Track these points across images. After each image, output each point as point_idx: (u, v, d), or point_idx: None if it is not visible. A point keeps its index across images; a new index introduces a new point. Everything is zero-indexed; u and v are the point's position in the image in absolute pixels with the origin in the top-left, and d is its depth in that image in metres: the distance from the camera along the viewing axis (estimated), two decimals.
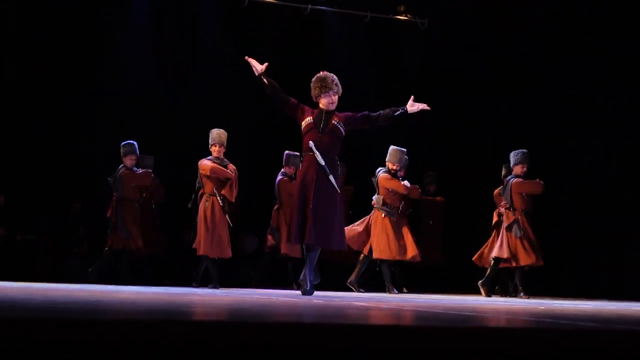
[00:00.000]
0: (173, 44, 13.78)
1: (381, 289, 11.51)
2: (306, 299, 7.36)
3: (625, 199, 12.19)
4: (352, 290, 11.14)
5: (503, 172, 11.44)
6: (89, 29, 13.23)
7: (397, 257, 11.35)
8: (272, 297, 7.81)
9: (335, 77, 8.42)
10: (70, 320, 3.41)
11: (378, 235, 11.32)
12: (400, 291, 11.64)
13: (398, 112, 8.45)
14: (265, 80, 8.55)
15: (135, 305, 5.19)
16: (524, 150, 11.17)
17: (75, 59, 13.22)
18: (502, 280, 11.87)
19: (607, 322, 4.83)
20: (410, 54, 14.67)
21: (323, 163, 8.20)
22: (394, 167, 11.38)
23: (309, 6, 13.99)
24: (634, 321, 5.13)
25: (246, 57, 8.77)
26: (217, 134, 10.98)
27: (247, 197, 12.40)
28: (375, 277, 11.91)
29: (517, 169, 11.14)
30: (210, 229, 10.83)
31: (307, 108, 8.49)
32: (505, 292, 11.72)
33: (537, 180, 11.09)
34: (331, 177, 8.22)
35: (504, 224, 11.06)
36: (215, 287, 10.71)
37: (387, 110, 8.50)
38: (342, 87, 8.45)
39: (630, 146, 12.19)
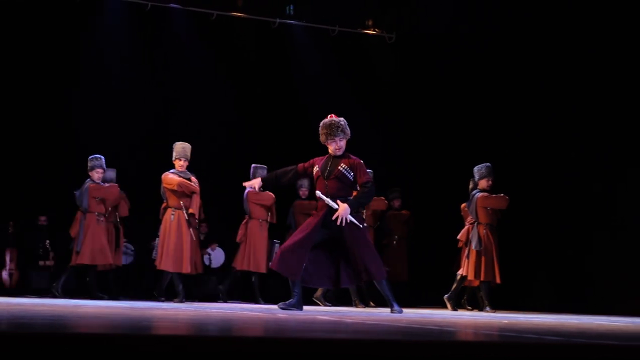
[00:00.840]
0: (144, 58, 13.72)
1: (348, 303, 11.51)
2: (270, 314, 7.35)
3: (589, 211, 12.29)
4: (319, 305, 11.12)
5: (470, 186, 11.42)
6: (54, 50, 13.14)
7: None
8: (236, 311, 7.79)
9: (342, 121, 8.50)
10: (29, 335, 3.38)
11: None
12: (367, 305, 11.64)
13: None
14: (269, 183, 9.08)
15: (97, 319, 5.16)
16: (488, 164, 11.18)
17: (45, 75, 13.10)
18: (470, 294, 11.90)
19: (569, 336, 4.86)
20: (378, 68, 14.73)
21: (336, 207, 8.26)
22: None
23: (277, 20, 14.02)
24: (595, 335, 5.16)
25: (244, 183, 9.22)
26: (181, 148, 10.89)
27: (214, 210, 12.36)
28: (342, 292, 11.90)
29: (482, 183, 11.15)
30: (174, 243, 10.75)
31: (316, 160, 8.63)
32: (472, 306, 11.74)
33: (502, 195, 11.11)
34: (350, 217, 8.27)
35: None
36: (181, 301, 10.65)
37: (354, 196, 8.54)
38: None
39: (592, 159, 12.30)
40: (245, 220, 12.10)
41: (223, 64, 14.04)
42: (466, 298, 11.92)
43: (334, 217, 8.25)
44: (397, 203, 13.39)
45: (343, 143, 8.47)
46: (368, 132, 13.67)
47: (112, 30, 13.38)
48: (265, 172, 12.08)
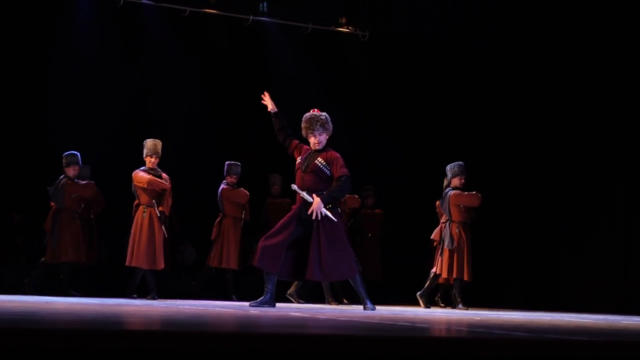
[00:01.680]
0: (117, 55, 13.62)
1: (322, 300, 11.51)
2: (243, 310, 7.34)
3: (562, 210, 12.37)
4: (292, 302, 11.13)
5: (445, 184, 11.43)
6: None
7: None
8: (208, 307, 7.78)
9: (324, 116, 8.52)
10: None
11: None
12: (340, 302, 11.65)
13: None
14: (277, 119, 8.82)
15: (69, 315, 5.14)
16: (460, 162, 11.19)
17: (16, 71, 12.98)
18: (444, 291, 11.93)
19: (539, 332, 4.89)
20: (352, 66, 14.73)
21: (311, 200, 8.26)
22: None
23: (251, 17, 13.99)
24: (565, 331, 5.19)
25: (264, 94, 8.98)
26: (152, 145, 10.83)
27: (186, 207, 12.33)
28: (315, 289, 11.91)
29: (455, 181, 11.15)
30: (147, 240, 10.71)
31: (304, 149, 8.62)
32: (446, 303, 11.76)
33: (475, 192, 11.12)
34: (323, 211, 8.26)
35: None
36: (153, 298, 10.63)
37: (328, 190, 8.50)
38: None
39: (566, 158, 12.38)
40: (219, 218, 12.09)
41: (196, 60, 13.98)
42: (439, 296, 11.96)
43: (309, 212, 8.25)
44: (370, 201, 13.39)
45: (323, 138, 8.48)
46: (342, 130, 13.64)
47: (84, 26, 13.28)
48: (239, 169, 12.12)
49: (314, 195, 8.30)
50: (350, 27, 14.65)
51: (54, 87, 13.12)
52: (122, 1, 13.30)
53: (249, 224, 12.30)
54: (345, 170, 8.45)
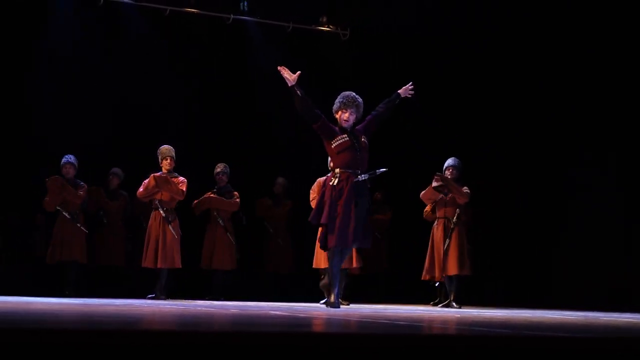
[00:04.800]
0: (97, 54, 13.56)
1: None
2: (223, 309, 7.34)
3: (543, 208, 12.42)
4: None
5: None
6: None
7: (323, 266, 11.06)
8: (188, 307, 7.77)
9: (360, 100, 8.67)
10: None
11: None
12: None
13: (397, 101, 8.99)
14: (298, 92, 8.59)
15: (51, 315, 5.12)
16: (454, 157, 11.13)
17: None
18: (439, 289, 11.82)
19: (518, 329, 4.89)
20: (333, 64, 14.71)
21: (364, 178, 8.51)
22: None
23: (231, 16, 13.96)
24: (544, 327, 5.21)
25: (279, 68, 8.81)
26: (164, 149, 11.40)
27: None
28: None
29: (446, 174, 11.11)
30: (154, 241, 11.23)
31: (333, 126, 8.66)
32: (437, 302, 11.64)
33: (464, 188, 11.01)
34: (364, 176, 8.53)
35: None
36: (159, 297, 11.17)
37: (384, 105, 8.92)
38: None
39: (546, 155, 12.43)
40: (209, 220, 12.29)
41: (177, 60, 13.94)
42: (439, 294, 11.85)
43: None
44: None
45: (353, 118, 8.60)
46: None
47: (64, 26, 13.21)
48: (227, 168, 12.29)
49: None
50: (331, 26, 14.64)
51: (33, 86, 13.04)
52: (102, 0, 13.24)
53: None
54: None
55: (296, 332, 4.02)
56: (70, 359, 2.91)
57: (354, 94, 8.66)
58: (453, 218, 11.04)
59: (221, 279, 12.32)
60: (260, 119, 14.16)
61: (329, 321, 5.38)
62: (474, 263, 11.22)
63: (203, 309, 7.42)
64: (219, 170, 12.38)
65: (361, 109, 8.64)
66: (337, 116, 8.61)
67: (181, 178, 11.33)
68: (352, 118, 8.57)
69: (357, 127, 8.66)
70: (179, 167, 11.60)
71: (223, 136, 13.93)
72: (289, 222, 13.51)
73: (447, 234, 10.97)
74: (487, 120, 13.17)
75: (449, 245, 10.89)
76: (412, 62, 13.77)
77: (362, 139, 8.57)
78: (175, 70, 13.87)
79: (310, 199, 10.60)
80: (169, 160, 11.31)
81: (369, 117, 8.77)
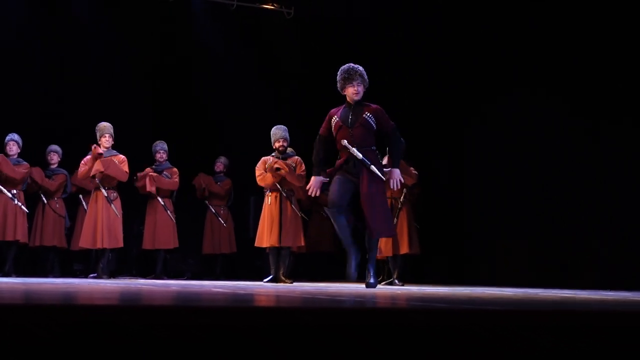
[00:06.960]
0: (39, 36, 13.43)
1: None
2: (165, 287, 7.33)
3: (486, 185, 12.55)
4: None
5: None
6: None
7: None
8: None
9: (360, 68, 8.28)
10: None
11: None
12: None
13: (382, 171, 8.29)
14: (324, 173, 8.43)
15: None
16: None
17: None
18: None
19: (456, 303, 4.96)
20: (278, 43, 14.69)
21: (361, 157, 8.09)
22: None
23: None
24: (482, 302, 5.29)
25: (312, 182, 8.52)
26: (104, 127, 11.31)
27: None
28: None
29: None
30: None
31: (332, 112, 8.40)
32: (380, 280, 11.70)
33: (411, 169, 11.06)
34: (373, 168, 8.09)
35: None
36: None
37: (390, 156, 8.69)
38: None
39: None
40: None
41: (121, 40, 13.83)
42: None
43: (391, 186, 8.22)
44: None
45: (361, 89, 8.25)
46: (271, 108, 13.67)
47: (6, 10, 13.08)
48: (165, 145, 12.16)
49: (392, 170, 8.21)
50: (275, 4, 14.60)
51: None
52: None
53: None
54: (392, 122, 8.32)
55: (236, 307, 4.04)
56: (8, 335, 2.90)
57: (351, 64, 8.29)
58: (400, 198, 11.13)
59: (163, 257, 12.30)
60: (206, 98, 14.12)
61: (270, 298, 5.42)
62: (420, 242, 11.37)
63: (145, 286, 7.41)
64: (157, 147, 12.27)
65: (365, 76, 8.25)
66: (346, 93, 8.30)
67: (121, 156, 11.24)
68: (361, 89, 8.24)
69: (369, 104, 8.30)
70: (124, 149, 11.54)
71: (167, 115, 13.87)
72: (229, 201, 13.47)
73: (394, 213, 11.02)
74: (431, 100, 13.24)
75: (396, 224, 10.94)
76: (357, 40, 13.79)
77: (364, 115, 8.18)
78: (116, 46, 13.78)
79: (257, 176, 10.54)
80: (107, 137, 11.20)
81: (388, 131, 8.28)
